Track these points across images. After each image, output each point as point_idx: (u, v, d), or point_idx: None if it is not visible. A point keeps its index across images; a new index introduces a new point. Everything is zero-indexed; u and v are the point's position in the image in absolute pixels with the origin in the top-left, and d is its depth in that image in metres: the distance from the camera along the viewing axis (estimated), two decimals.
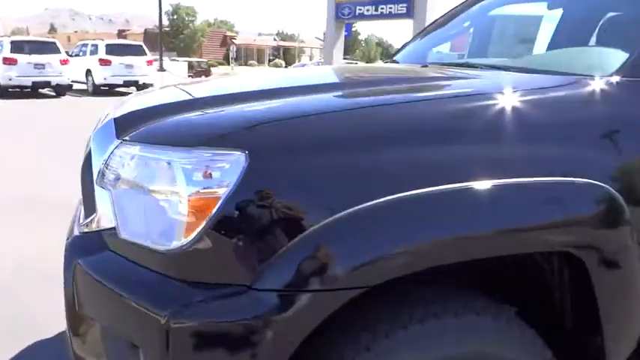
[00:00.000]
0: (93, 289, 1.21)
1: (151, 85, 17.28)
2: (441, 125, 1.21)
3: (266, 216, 1.06)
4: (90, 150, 1.44)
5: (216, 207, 1.06)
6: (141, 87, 17.22)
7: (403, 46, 2.90)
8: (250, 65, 54.29)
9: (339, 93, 1.57)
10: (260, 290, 1.05)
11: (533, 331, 1.25)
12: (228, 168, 1.08)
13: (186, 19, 58.45)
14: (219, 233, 1.07)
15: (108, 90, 17.21)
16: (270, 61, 61.41)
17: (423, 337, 1.12)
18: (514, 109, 1.23)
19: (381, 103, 1.33)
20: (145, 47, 18.37)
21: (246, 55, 62.48)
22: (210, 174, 1.09)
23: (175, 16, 57.88)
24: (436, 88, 1.62)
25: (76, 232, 1.40)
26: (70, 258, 1.31)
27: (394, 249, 1.06)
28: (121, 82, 17.07)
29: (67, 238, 1.46)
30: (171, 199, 1.11)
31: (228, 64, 48.00)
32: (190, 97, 1.52)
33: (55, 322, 2.49)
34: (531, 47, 2.74)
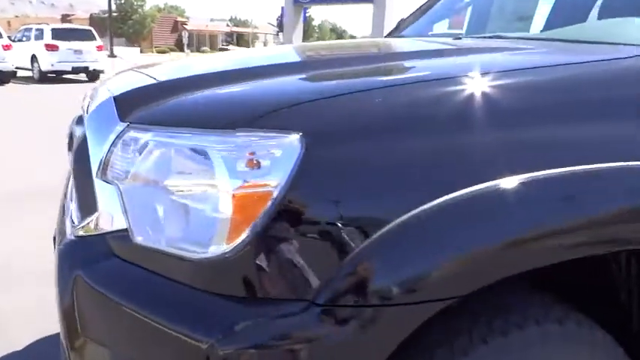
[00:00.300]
0: (103, 308, 0.98)
1: (102, 71, 16.51)
2: (554, 97, 1.00)
3: (332, 213, 0.85)
4: (83, 137, 1.20)
5: (269, 204, 0.85)
6: (91, 74, 16.42)
7: (399, 25, 2.72)
8: (203, 52, 52.99)
9: (405, 64, 1.32)
10: (327, 306, 0.85)
11: (611, 339, 1.10)
12: (280, 155, 0.87)
13: (135, 3, 56.41)
14: (273, 236, 0.86)
15: (55, 77, 16.33)
16: (222, 47, 60.15)
17: (506, 352, 0.95)
18: (614, 81, 1.05)
19: (479, 72, 1.07)
20: (94, 32, 17.49)
21: (199, 42, 60.91)
22: (259, 163, 0.87)
23: (123, 1, 55.80)
24: (518, 57, 1.36)
25: (69, 236, 1.15)
26: (66, 269, 1.07)
27: (493, 246, 0.87)
28: (70, 69, 16.20)
29: (57, 243, 1.21)
30: (208, 196, 0.89)
31: (181, 50, 46.69)
32: (202, 72, 1.29)
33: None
34: (529, 24, 2.63)
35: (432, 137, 0.90)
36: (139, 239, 0.97)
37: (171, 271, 0.93)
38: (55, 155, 3.75)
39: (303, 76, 1.12)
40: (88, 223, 1.09)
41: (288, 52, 1.92)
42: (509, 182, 0.87)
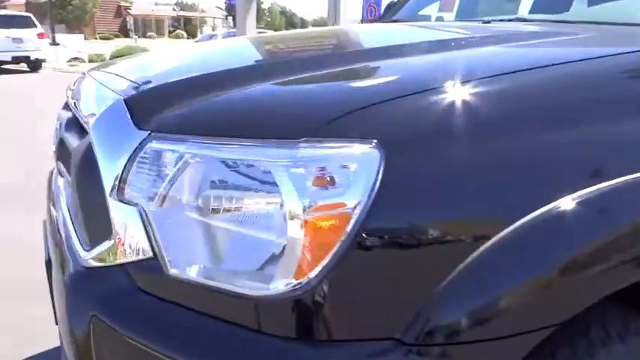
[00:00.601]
0: (135, 357, 0.82)
1: (44, 60, 15.63)
2: None
3: (421, 235, 0.72)
4: (86, 147, 1.01)
5: (348, 228, 0.71)
6: (33, 63, 15.53)
7: (389, 7, 2.59)
8: (150, 37, 51.17)
9: (474, 52, 1.13)
10: (417, 345, 0.72)
11: None
12: (356, 169, 0.73)
13: None
14: (354, 267, 0.72)
15: None
16: (170, 32, 58.31)
17: None
18: None
19: (567, 60, 0.95)
20: (34, 18, 16.49)
21: (144, 27, 58.80)
22: (332, 179, 0.73)
23: None
24: (584, 45, 1.22)
25: (75, 265, 0.97)
26: (79, 307, 0.90)
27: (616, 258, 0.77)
28: (9, 59, 15.23)
29: (59, 271, 1.02)
30: (269, 221, 0.74)
31: (126, 36, 44.95)
32: (225, 67, 1.11)
33: None
34: (518, 5, 2.55)
35: (544, 134, 0.78)
36: (174, 271, 0.81)
37: (220, 310, 0.78)
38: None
39: (353, 71, 0.97)
40: (102, 252, 0.91)
41: (305, 40, 1.73)
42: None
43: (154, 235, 0.83)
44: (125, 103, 0.96)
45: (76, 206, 1.03)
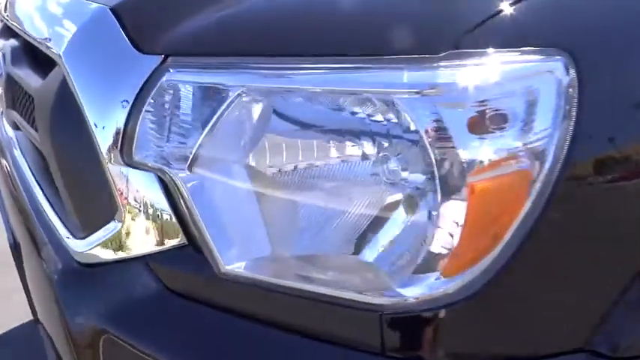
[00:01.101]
0: None
1: None
2: None
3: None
4: (58, 93, 0.66)
5: (531, 196, 0.44)
6: None
7: None
8: None
9: None
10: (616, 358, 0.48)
11: None
12: (540, 99, 0.45)
13: None
14: (540, 255, 0.46)
15: None
16: None
17: None
18: None
19: None
20: None
21: None
22: (504, 117, 0.44)
23: None
24: None
25: (59, 259, 0.67)
26: (78, 321, 0.61)
27: None
28: None
29: (42, 268, 0.72)
30: (401, 191, 0.46)
31: None
32: None
33: None
34: None
35: None
36: (229, 268, 0.52)
37: (311, 324, 0.51)
38: None
39: None
40: (105, 240, 0.61)
41: None
42: None
43: (189, 213, 0.53)
44: (114, 14, 0.62)
45: (55, 175, 0.70)
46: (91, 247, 0.63)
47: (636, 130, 0.47)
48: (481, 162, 0.44)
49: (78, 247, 0.65)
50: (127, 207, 0.58)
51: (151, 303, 0.58)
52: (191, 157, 0.53)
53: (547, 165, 0.44)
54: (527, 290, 0.47)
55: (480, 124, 0.44)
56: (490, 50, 0.45)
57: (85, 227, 0.65)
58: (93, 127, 0.59)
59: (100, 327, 0.59)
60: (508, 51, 0.45)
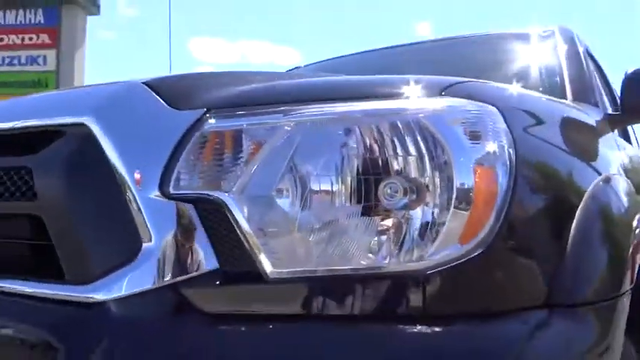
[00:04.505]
0: None
1: None
2: None
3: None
4: (77, 147, 0.71)
5: (502, 185, 0.62)
6: None
7: None
8: None
9: None
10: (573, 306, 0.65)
11: None
12: (492, 127, 0.64)
13: None
14: (517, 227, 0.63)
15: None
16: None
17: None
18: None
19: None
20: None
21: None
22: (477, 134, 0.61)
23: None
24: None
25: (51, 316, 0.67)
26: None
27: None
28: None
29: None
30: (423, 182, 0.61)
31: None
32: None
33: None
34: None
35: None
36: (281, 271, 0.61)
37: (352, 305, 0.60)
38: None
39: None
40: (132, 276, 0.64)
41: None
42: None
43: (240, 231, 0.61)
44: (148, 86, 0.73)
45: (59, 232, 0.70)
46: (107, 288, 0.64)
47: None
48: (476, 160, 0.62)
49: (85, 291, 0.65)
50: (158, 238, 0.64)
51: (190, 326, 0.62)
52: (236, 184, 0.63)
53: (504, 170, 0.62)
54: (510, 248, 0.62)
55: (471, 136, 0.61)
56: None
57: (97, 264, 0.66)
58: (124, 174, 0.66)
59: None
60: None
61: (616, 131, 1.62)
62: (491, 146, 0.63)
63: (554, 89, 1.49)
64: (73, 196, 0.68)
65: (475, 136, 0.62)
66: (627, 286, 0.73)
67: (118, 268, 0.63)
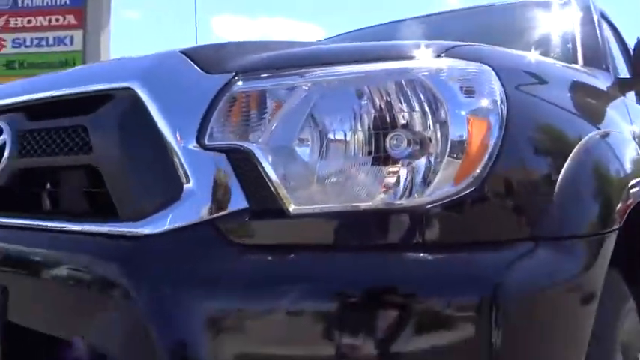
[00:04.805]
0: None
1: None
2: None
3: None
4: (128, 105, 0.82)
5: (494, 132, 0.71)
6: None
7: None
8: None
9: None
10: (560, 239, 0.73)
11: None
12: (486, 84, 0.73)
13: None
14: (503, 171, 0.71)
15: None
16: None
17: None
18: None
19: None
20: None
21: None
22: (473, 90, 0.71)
23: None
24: None
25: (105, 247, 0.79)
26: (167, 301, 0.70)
27: None
28: None
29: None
30: (423, 132, 0.70)
31: None
32: None
33: None
34: None
35: None
36: (302, 208, 0.71)
37: (365, 235, 0.71)
38: None
39: None
40: (175, 213, 0.74)
41: None
42: None
43: (266, 175, 0.71)
44: (184, 54, 0.84)
45: (112, 177, 0.81)
46: (155, 223, 0.74)
47: None
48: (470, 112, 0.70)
49: (134, 227, 0.75)
50: (197, 182, 0.74)
51: (223, 255, 0.72)
52: (261, 136, 0.73)
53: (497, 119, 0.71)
54: (496, 194, 0.71)
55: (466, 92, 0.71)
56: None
57: (151, 208, 0.76)
58: (167, 127, 0.76)
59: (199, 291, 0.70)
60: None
61: (632, 97, 1.68)
62: (484, 101, 0.71)
63: (567, 54, 1.56)
64: (123, 148, 0.79)
65: (470, 92, 0.71)
66: (613, 225, 0.80)
67: (163, 207, 0.74)
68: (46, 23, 8.18)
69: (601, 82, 1.35)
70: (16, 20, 8.24)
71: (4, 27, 8.26)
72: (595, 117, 1.02)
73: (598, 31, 1.67)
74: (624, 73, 1.85)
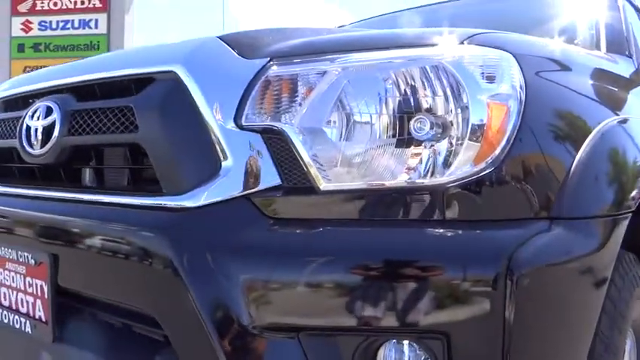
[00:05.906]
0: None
1: None
2: None
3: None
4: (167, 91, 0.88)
5: (514, 116, 0.75)
6: None
7: None
8: None
9: None
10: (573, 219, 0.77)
11: None
12: (506, 69, 0.77)
13: None
14: (520, 153, 0.76)
15: None
16: None
17: None
18: None
19: None
20: None
21: None
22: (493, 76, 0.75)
23: None
24: None
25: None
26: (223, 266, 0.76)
27: None
28: None
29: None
30: (447, 115, 0.75)
31: None
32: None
33: None
34: None
35: None
36: (327, 184, 0.76)
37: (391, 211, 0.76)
38: None
39: None
40: (214, 187, 0.80)
41: None
42: None
43: (298, 154, 0.77)
44: (222, 40, 0.90)
45: (157, 154, 0.86)
46: (196, 195, 0.79)
47: None
48: (491, 97, 0.75)
49: (178, 200, 0.81)
50: (236, 160, 0.79)
51: (258, 227, 0.78)
52: (294, 118, 0.78)
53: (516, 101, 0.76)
54: (513, 175, 0.75)
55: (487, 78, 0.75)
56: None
57: (192, 182, 0.81)
58: (208, 109, 0.81)
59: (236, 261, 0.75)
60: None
61: None
62: (504, 87, 0.75)
63: (590, 41, 1.57)
64: (167, 127, 0.85)
65: (490, 78, 0.75)
66: (627, 209, 0.84)
67: (203, 182, 0.80)
68: (71, 6, 8.29)
69: (623, 68, 1.37)
70: (42, 3, 8.34)
71: (31, 9, 8.37)
72: (614, 103, 1.04)
73: (623, 17, 1.67)
74: None
